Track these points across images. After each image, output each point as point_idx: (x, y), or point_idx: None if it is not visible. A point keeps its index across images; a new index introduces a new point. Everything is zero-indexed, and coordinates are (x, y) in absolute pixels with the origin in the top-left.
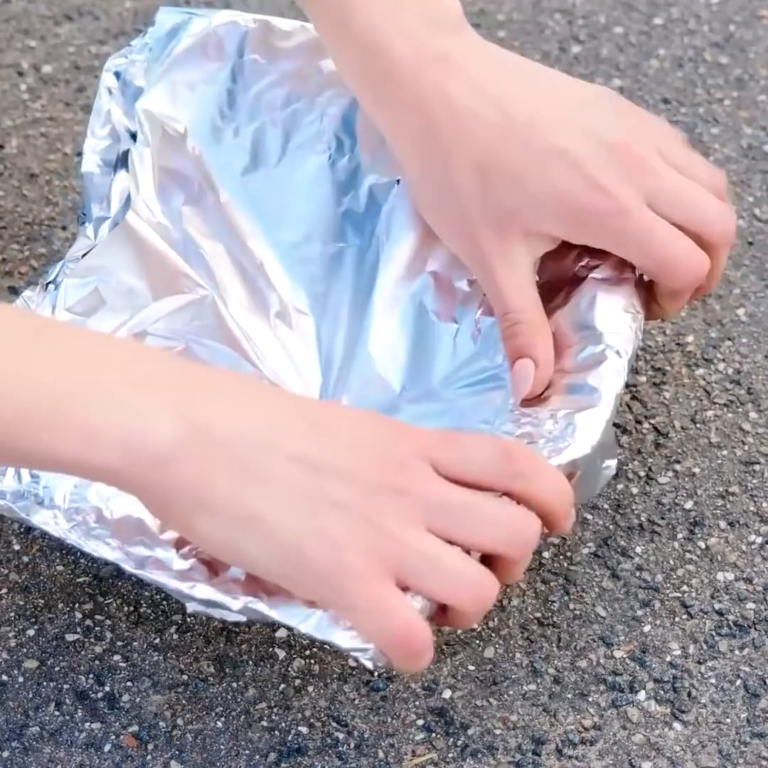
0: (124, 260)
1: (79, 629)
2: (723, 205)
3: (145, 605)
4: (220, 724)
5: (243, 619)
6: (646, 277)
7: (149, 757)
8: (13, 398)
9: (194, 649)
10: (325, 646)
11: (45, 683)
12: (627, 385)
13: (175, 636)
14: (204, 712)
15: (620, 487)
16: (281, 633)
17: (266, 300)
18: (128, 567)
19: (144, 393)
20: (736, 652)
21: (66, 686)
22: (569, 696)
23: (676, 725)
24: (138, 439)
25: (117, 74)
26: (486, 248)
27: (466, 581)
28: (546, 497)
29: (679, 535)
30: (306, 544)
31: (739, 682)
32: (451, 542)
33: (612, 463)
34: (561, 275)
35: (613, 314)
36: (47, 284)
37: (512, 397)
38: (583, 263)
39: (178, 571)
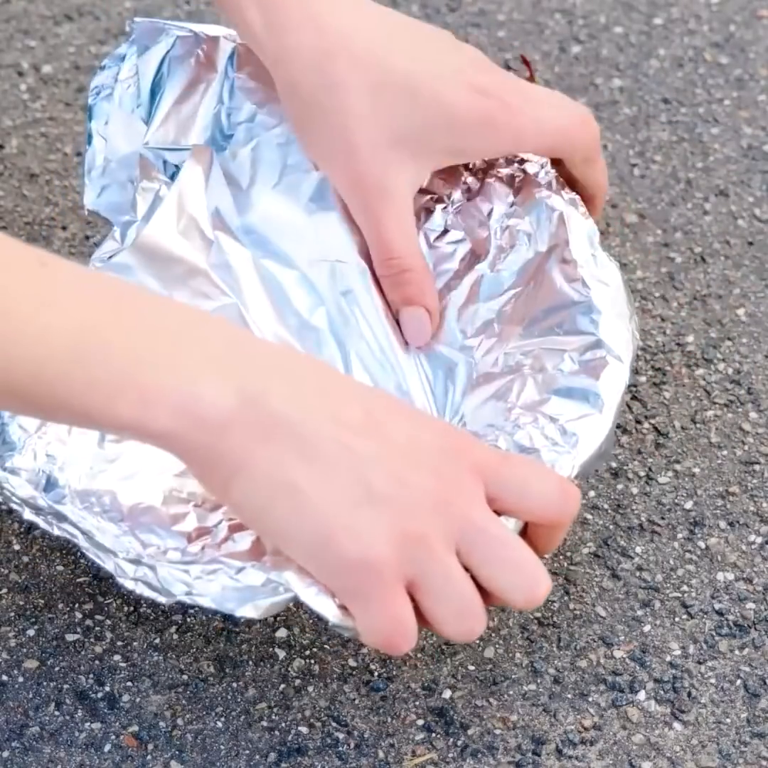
0: (149, 265)
1: (79, 629)
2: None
3: (145, 605)
4: (220, 724)
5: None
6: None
7: (149, 757)
8: (78, 355)
9: (194, 649)
10: (325, 645)
11: (45, 683)
12: (627, 385)
13: (175, 636)
14: (204, 712)
15: (620, 487)
16: (281, 633)
17: (288, 314)
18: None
19: (204, 358)
20: (736, 652)
21: (66, 686)
22: (569, 696)
23: (676, 725)
24: (194, 403)
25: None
26: (369, 178)
27: (468, 614)
28: (556, 542)
29: (679, 535)
30: (337, 531)
31: (739, 682)
32: (466, 567)
33: (602, 464)
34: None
35: (613, 325)
36: None
37: (408, 344)
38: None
39: (185, 561)
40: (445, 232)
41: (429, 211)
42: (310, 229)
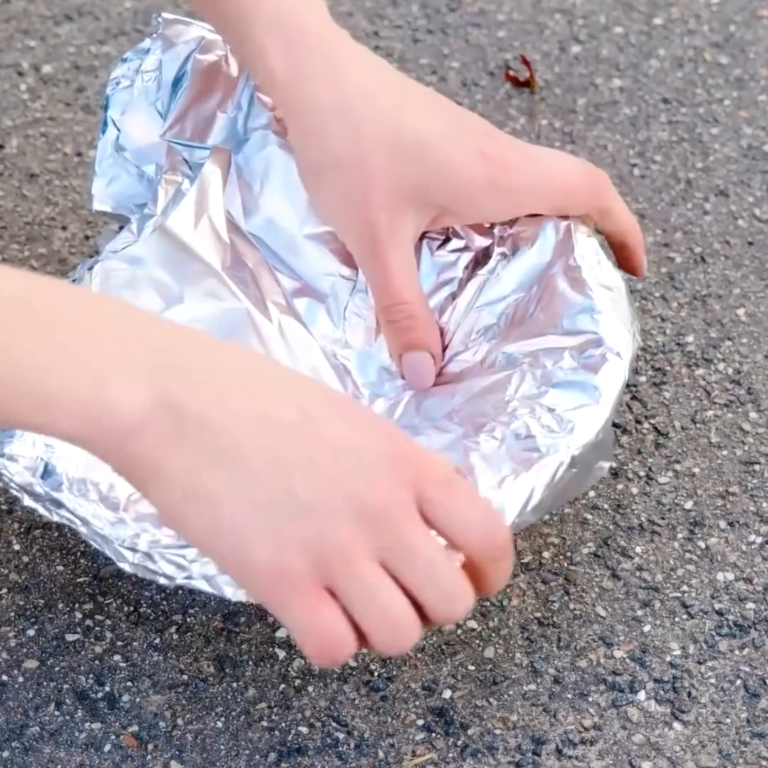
0: (163, 260)
1: (79, 629)
2: None
3: (145, 605)
4: (220, 724)
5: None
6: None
7: (149, 757)
8: None
9: (194, 649)
10: None
11: (45, 683)
12: (627, 385)
13: (175, 636)
14: (204, 712)
15: (620, 487)
16: (281, 633)
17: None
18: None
19: (117, 356)
20: (736, 652)
21: (66, 686)
22: (569, 696)
23: (676, 725)
24: (99, 407)
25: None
26: (379, 224)
27: (392, 628)
28: (498, 583)
29: (679, 535)
30: (252, 538)
31: (739, 682)
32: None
33: (605, 466)
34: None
35: (613, 324)
36: (89, 269)
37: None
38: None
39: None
40: (447, 240)
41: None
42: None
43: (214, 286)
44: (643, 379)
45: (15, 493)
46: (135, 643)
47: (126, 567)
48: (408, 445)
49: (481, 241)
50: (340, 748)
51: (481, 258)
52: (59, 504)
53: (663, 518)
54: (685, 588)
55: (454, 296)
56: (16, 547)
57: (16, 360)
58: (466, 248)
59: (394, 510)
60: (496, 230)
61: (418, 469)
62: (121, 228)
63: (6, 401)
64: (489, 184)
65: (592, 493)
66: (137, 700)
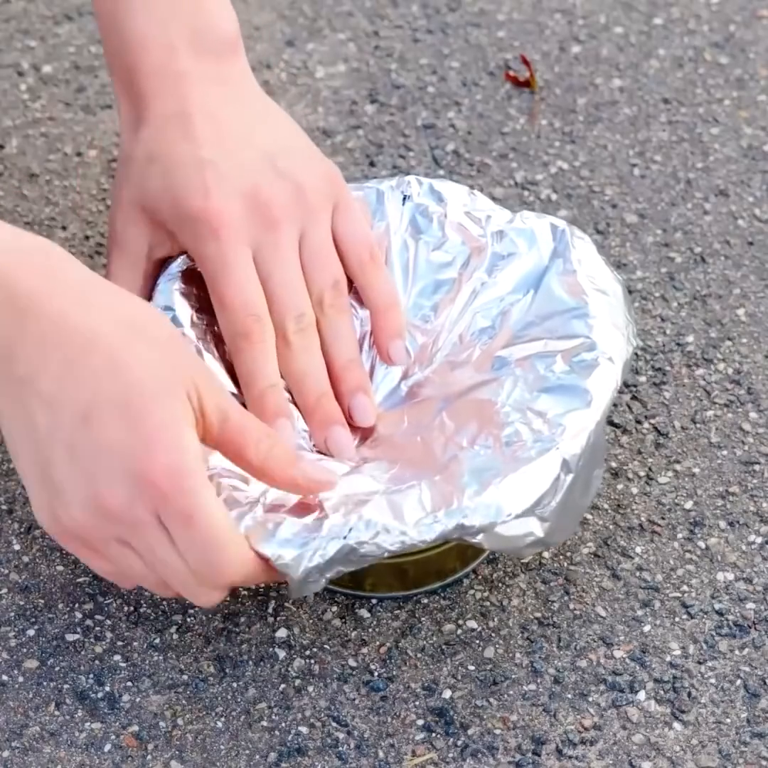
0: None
1: (79, 629)
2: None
3: (145, 605)
4: (220, 724)
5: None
6: None
7: (149, 757)
8: None
9: (194, 649)
10: (325, 645)
11: (45, 683)
12: (627, 385)
13: (175, 636)
14: (204, 712)
15: (620, 487)
16: (281, 633)
17: None
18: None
19: None
20: (736, 652)
21: (66, 686)
22: (569, 696)
23: (676, 725)
24: None
25: None
26: (116, 225)
27: (143, 579)
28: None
29: (679, 535)
30: (28, 487)
31: (739, 682)
32: None
33: (599, 473)
34: None
35: (607, 328)
36: None
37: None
38: None
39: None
40: (443, 240)
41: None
42: None
43: None
44: (643, 379)
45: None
46: (135, 643)
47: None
48: (164, 468)
49: (477, 241)
50: (340, 748)
51: (476, 256)
52: None
53: (663, 518)
54: (685, 588)
55: (451, 298)
56: (16, 547)
57: None
58: (461, 247)
59: (129, 519)
60: (488, 228)
61: (162, 497)
62: None
63: None
64: (193, 224)
65: None
66: (137, 700)
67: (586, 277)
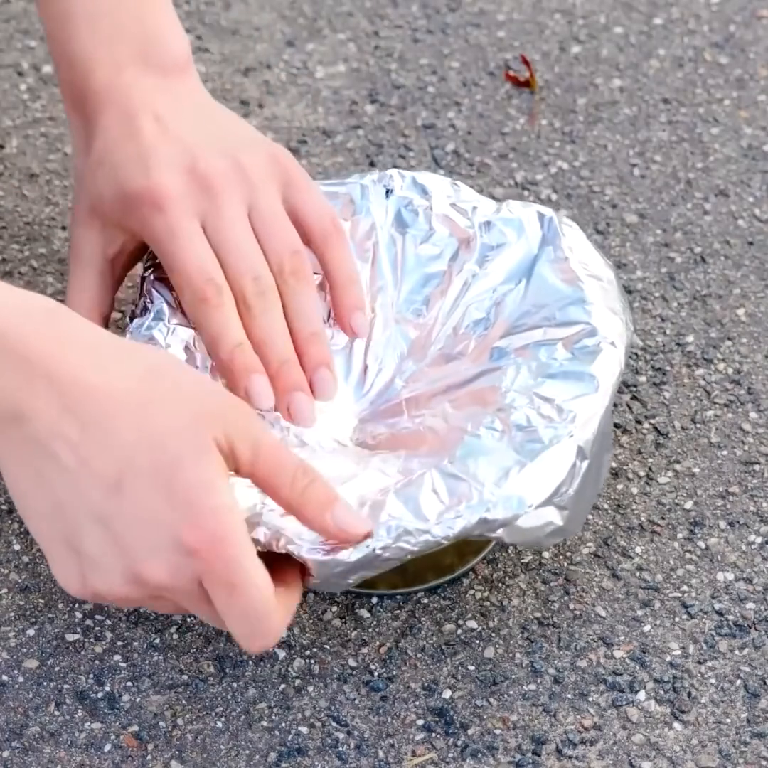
0: None
1: (79, 629)
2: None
3: None
4: (220, 724)
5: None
6: None
7: (149, 757)
8: None
9: (194, 649)
10: (325, 645)
11: (45, 683)
12: (627, 385)
13: (175, 636)
14: (204, 712)
15: (620, 487)
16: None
17: None
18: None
19: None
20: (736, 652)
21: (66, 686)
22: (569, 696)
23: (676, 725)
24: None
25: None
26: (71, 235)
27: (218, 623)
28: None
29: (679, 535)
30: (49, 552)
31: (739, 682)
32: None
33: (608, 458)
34: None
35: (605, 314)
36: None
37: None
38: None
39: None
40: (430, 233)
41: (415, 215)
42: None
43: None
44: (643, 379)
45: None
46: (135, 643)
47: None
48: (207, 536)
49: (464, 231)
50: (340, 748)
51: (465, 247)
52: None
53: (663, 518)
54: (685, 588)
55: (442, 291)
56: (16, 547)
57: None
58: (449, 239)
59: (171, 588)
60: (475, 219)
61: (205, 565)
62: None
63: None
64: (138, 207)
65: None
66: (137, 700)
67: (579, 264)
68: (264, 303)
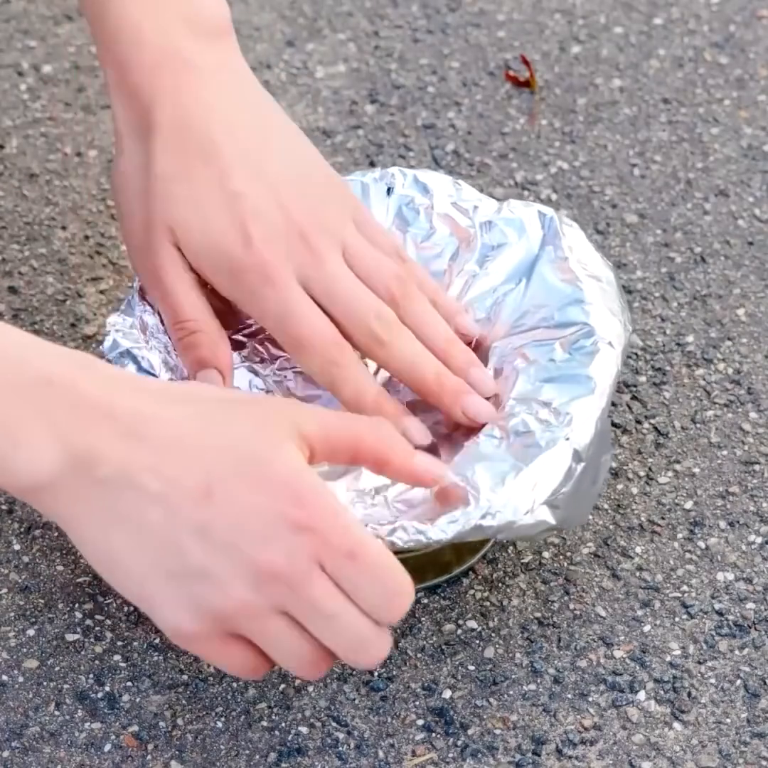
0: None
1: (79, 629)
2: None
3: None
4: (220, 724)
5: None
6: None
7: (149, 757)
8: None
9: None
10: None
11: (45, 683)
12: (627, 385)
13: None
14: (204, 712)
15: (620, 487)
16: None
17: None
18: None
19: (38, 417)
20: (736, 652)
21: (66, 686)
22: (569, 696)
23: (676, 725)
24: (11, 463)
25: None
26: (155, 246)
27: (308, 664)
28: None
29: (679, 535)
30: (152, 601)
31: (739, 682)
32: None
33: (609, 458)
34: None
35: (603, 314)
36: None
37: None
38: None
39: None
40: (431, 233)
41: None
42: None
43: None
44: (643, 379)
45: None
46: (135, 643)
47: None
48: (314, 511)
49: (465, 231)
50: (340, 748)
51: (465, 247)
52: None
53: (663, 518)
54: (685, 588)
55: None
56: (16, 547)
57: None
58: (449, 238)
59: (290, 575)
60: (476, 218)
61: (320, 539)
62: None
63: None
64: (241, 275)
65: None
66: (137, 700)
67: (579, 264)
68: (395, 332)
